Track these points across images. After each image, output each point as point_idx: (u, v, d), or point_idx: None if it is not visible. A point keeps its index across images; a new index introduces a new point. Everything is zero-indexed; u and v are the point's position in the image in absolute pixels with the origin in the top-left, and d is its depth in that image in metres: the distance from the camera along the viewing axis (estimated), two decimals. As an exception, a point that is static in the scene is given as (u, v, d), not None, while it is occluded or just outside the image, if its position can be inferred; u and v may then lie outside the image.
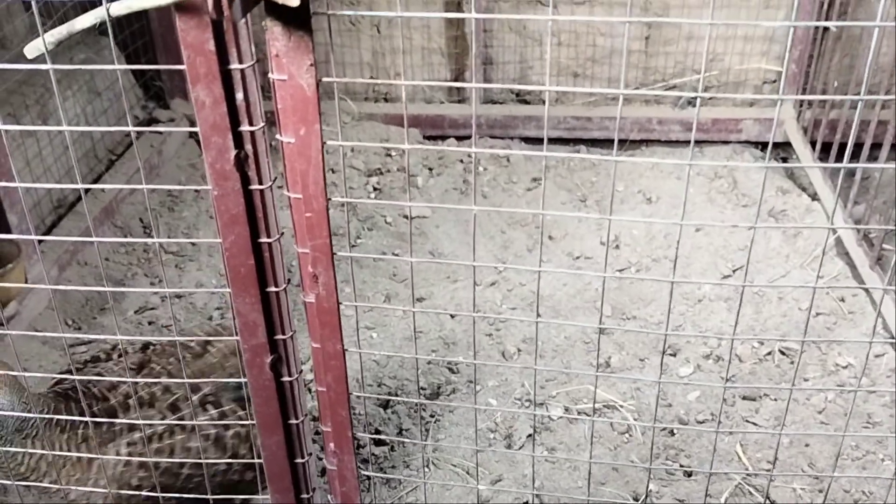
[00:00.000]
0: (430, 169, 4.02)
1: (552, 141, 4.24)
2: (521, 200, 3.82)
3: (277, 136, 1.30)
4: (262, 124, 1.29)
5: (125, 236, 3.62)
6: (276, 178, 1.36)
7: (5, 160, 2.95)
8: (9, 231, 3.03)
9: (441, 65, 4.32)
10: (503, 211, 1.47)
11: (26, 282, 2.92)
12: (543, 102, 4.31)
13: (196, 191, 3.92)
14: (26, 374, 1.69)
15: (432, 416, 2.74)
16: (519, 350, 2.98)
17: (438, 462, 2.58)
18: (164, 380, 1.97)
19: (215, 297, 3.28)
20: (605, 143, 4.26)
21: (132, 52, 4.03)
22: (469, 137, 4.24)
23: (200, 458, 1.89)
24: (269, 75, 1.25)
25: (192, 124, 4.25)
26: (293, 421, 1.55)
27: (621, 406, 2.74)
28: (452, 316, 3.13)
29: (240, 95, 1.23)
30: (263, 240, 1.37)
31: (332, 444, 1.58)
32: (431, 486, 2.48)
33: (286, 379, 1.50)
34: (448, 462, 2.57)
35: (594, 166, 4.04)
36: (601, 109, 4.22)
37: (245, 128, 1.26)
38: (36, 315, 3.13)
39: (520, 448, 2.62)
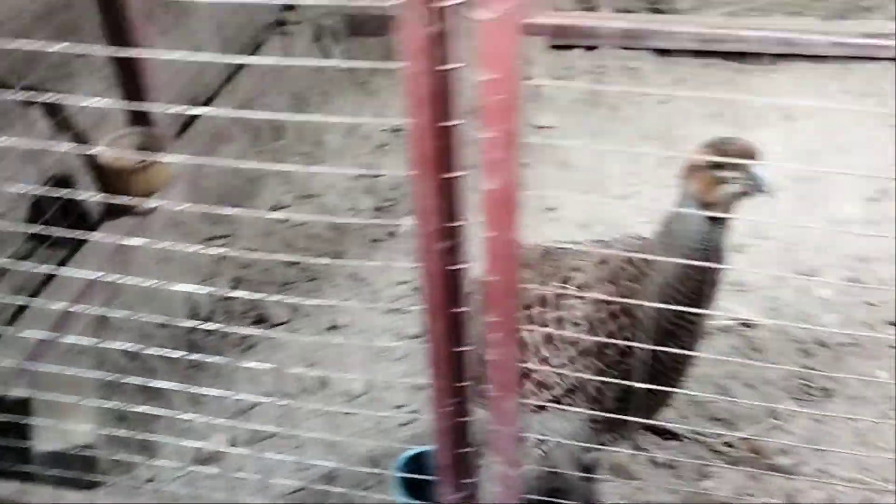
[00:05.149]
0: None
1: (685, 53, 4.04)
2: (653, 114, 3.70)
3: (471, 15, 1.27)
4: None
5: (256, 136, 3.69)
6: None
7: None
8: (150, 125, 3.12)
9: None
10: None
11: (170, 175, 3.02)
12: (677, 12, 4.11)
13: (321, 94, 3.94)
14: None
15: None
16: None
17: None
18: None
19: (347, 197, 3.33)
20: (743, 58, 4.03)
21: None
22: (597, 48, 4.08)
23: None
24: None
25: (318, 28, 4.24)
26: (456, 310, 1.57)
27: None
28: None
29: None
30: (447, 123, 1.36)
31: (496, 334, 1.59)
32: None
33: (456, 267, 1.51)
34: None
35: (731, 81, 3.85)
36: (741, 21, 4.00)
37: (440, 3, 1.23)
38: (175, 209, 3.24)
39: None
